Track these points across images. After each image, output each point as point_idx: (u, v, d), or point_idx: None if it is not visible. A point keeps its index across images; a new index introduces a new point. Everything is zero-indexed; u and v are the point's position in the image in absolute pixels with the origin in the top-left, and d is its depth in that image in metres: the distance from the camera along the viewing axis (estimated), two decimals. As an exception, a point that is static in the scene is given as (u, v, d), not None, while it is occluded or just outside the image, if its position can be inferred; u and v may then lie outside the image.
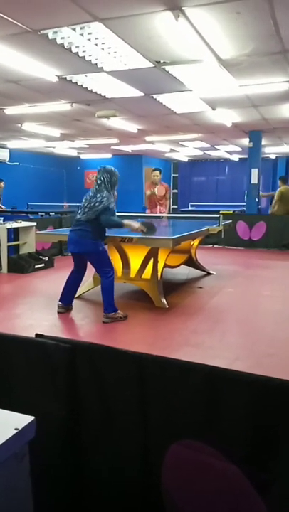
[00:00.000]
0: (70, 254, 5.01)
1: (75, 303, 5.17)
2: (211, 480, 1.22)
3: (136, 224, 4.83)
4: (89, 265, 4.93)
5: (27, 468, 1.02)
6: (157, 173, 8.70)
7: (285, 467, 1.14)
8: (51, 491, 1.40)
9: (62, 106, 7.81)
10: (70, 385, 1.43)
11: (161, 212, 8.67)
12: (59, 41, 4.62)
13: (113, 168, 4.74)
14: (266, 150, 14.33)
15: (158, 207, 8.74)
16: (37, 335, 1.57)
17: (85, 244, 4.60)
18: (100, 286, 4.79)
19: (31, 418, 1.01)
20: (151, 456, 1.33)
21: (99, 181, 4.63)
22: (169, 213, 9.19)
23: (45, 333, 1.57)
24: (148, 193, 8.78)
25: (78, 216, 4.68)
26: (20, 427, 0.96)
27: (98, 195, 4.53)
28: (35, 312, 5.14)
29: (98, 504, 1.44)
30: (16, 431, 0.95)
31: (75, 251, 4.75)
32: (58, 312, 4.93)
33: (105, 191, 4.56)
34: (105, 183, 4.60)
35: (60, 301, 4.97)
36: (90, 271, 5.44)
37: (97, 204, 4.49)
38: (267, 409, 1.16)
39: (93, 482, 1.44)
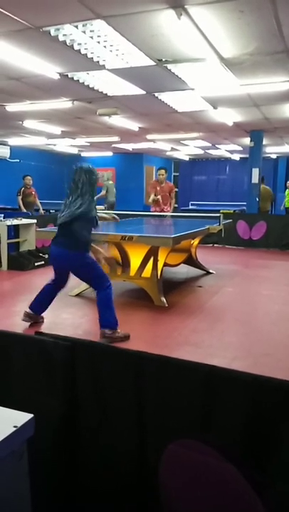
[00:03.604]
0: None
1: (75, 300, 5.17)
2: (209, 480, 1.22)
3: (103, 253, 4.35)
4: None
5: (25, 466, 1.02)
6: (163, 171, 8.79)
7: (282, 467, 1.14)
8: (48, 488, 1.41)
9: (63, 103, 7.80)
10: (69, 382, 1.43)
11: (165, 211, 8.71)
12: (61, 38, 4.61)
13: (91, 166, 4.12)
14: (267, 150, 14.33)
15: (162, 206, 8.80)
16: (36, 332, 1.57)
17: (70, 257, 3.99)
18: (89, 289, 4.58)
19: (30, 416, 1.01)
20: (148, 455, 1.33)
21: (79, 184, 3.92)
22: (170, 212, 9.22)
23: (44, 331, 1.58)
24: (152, 197, 8.82)
25: (58, 222, 4.05)
26: (19, 425, 0.96)
27: (78, 200, 3.88)
28: (34, 309, 5.13)
29: (94, 502, 1.45)
30: (14, 428, 0.95)
31: (60, 266, 4.16)
32: (23, 320, 4.38)
33: (87, 195, 3.92)
34: (86, 186, 3.93)
35: (30, 308, 4.41)
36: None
37: (75, 209, 3.85)
38: (265, 409, 1.16)
39: (90, 480, 1.44)
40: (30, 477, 1.04)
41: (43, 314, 4.51)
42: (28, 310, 4.41)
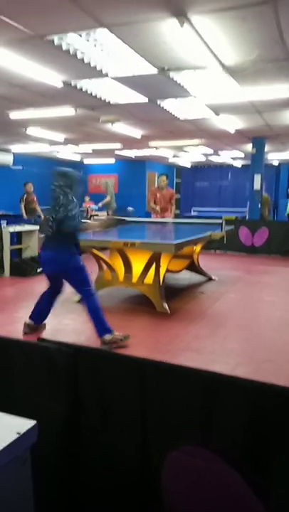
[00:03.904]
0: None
1: (78, 306, 5.16)
2: (211, 484, 1.22)
3: (97, 223, 4.50)
4: (89, 266, 4.91)
5: (28, 470, 1.02)
6: (164, 178, 8.88)
7: (283, 472, 1.14)
8: (50, 492, 1.40)
9: (66, 111, 7.84)
10: (72, 388, 1.43)
11: (165, 217, 8.75)
12: (64, 47, 4.64)
13: (68, 170, 4.24)
14: (269, 156, 14.35)
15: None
16: (39, 339, 1.57)
17: (62, 261, 4.04)
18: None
19: (33, 422, 1.01)
20: (150, 460, 1.33)
21: (58, 189, 4.03)
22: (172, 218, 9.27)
23: (47, 337, 1.58)
24: (152, 205, 8.87)
25: (47, 230, 4.11)
26: (22, 432, 0.97)
27: (61, 202, 3.99)
28: (37, 316, 5.13)
29: (97, 505, 1.44)
30: (18, 435, 0.95)
31: (51, 270, 4.21)
32: (25, 333, 4.39)
33: (68, 196, 4.02)
34: (64, 188, 4.02)
35: (30, 318, 4.45)
36: (92, 274, 5.45)
37: (60, 211, 3.96)
38: (267, 415, 1.16)
39: (93, 483, 1.44)
40: (33, 481, 1.04)
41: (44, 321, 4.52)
42: (28, 321, 4.43)
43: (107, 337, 3.95)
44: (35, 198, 10.63)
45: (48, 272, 4.27)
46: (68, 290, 4.45)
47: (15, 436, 0.94)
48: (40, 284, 6.94)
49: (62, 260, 4.04)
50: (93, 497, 1.44)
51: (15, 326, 4.70)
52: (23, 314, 5.20)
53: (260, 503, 1.16)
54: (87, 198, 15.20)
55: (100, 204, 13.17)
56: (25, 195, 10.47)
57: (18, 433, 0.95)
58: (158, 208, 8.75)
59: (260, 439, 1.18)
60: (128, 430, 1.37)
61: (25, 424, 1.00)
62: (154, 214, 9.00)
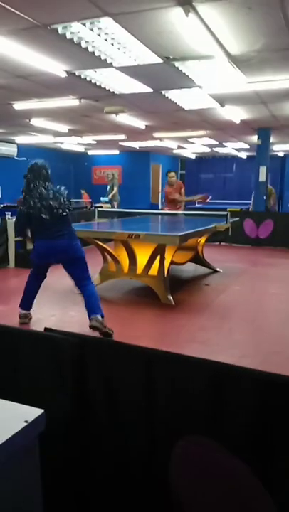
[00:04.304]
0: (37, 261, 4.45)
1: (81, 299, 5.17)
2: (219, 476, 1.22)
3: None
4: (93, 258, 4.91)
5: (37, 460, 1.02)
6: (173, 174, 8.95)
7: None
8: (58, 485, 1.41)
9: (70, 101, 7.80)
10: (78, 379, 1.44)
11: (179, 210, 8.85)
12: (68, 36, 4.61)
13: (42, 162, 4.35)
14: (275, 147, 14.26)
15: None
16: (46, 329, 1.57)
17: (75, 249, 4.13)
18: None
19: (41, 411, 1.01)
20: (157, 451, 1.33)
21: (43, 177, 4.19)
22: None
23: (52, 328, 1.58)
24: (182, 198, 9.00)
25: (47, 218, 4.08)
26: (30, 420, 0.97)
27: (56, 188, 4.15)
28: (42, 307, 5.15)
29: (104, 498, 1.45)
30: (25, 423, 0.95)
31: (57, 259, 4.23)
32: (23, 323, 4.42)
33: (58, 188, 4.20)
34: (49, 177, 4.24)
35: (23, 309, 4.51)
36: (97, 266, 5.46)
37: (60, 196, 4.11)
38: (275, 405, 1.16)
39: (99, 476, 1.45)
40: (41, 471, 1.04)
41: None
42: (22, 312, 4.49)
43: (100, 317, 4.02)
44: None
45: (52, 261, 4.30)
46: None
47: (23, 425, 0.94)
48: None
49: (74, 249, 4.14)
50: (100, 488, 1.45)
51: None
52: (28, 306, 5.22)
53: (267, 494, 1.16)
54: (83, 191, 15.17)
55: (110, 196, 13.13)
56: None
57: (26, 421, 0.96)
58: (184, 198, 9.01)
59: (267, 430, 1.18)
60: (135, 420, 1.38)
61: (33, 412, 1.00)
62: (170, 207, 9.03)
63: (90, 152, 17.04)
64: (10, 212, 8.02)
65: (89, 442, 1.44)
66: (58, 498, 1.40)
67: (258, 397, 1.18)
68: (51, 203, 4.07)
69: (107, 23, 4.24)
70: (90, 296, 4.15)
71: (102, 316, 4.07)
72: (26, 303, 4.52)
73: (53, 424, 1.13)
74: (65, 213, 4.11)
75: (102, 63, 5.51)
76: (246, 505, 1.18)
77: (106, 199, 13.31)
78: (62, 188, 4.18)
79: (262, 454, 1.18)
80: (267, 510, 1.14)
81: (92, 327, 3.95)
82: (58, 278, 4.99)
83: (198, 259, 7.19)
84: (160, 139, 12.81)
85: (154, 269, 5.37)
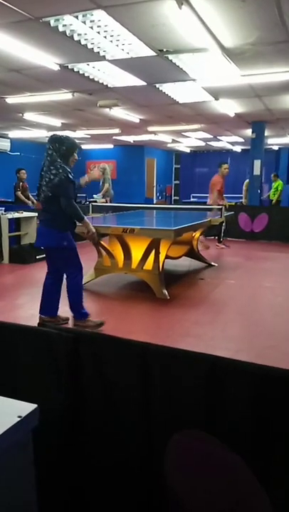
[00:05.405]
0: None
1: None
2: (215, 470, 1.22)
3: (92, 228, 4.18)
4: (90, 255, 4.90)
5: (30, 456, 1.02)
6: (227, 165, 9.24)
7: (287, 458, 1.14)
8: (53, 480, 1.41)
9: (63, 95, 7.76)
10: (73, 374, 1.43)
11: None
12: (61, 29, 4.57)
13: (63, 136, 3.95)
14: (269, 141, 14.25)
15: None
16: (40, 324, 1.57)
17: (49, 236, 3.83)
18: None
19: (34, 406, 1.01)
20: (154, 446, 1.33)
21: (49, 152, 3.79)
22: (170, 204, 9.24)
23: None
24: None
25: (40, 199, 3.93)
26: (23, 415, 0.96)
27: (52, 167, 3.73)
28: (36, 302, 5.10)
29: (100, 493, 1.45)
30: (19, 419, 0.95)
31: (40, 245, 4.10)
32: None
33: (58, 162, 3.75)
34: (53, 154, 3.78)
35: (40, 313, 4.16)
36: (92, 261, 5.45)
37: (52, 177, 3.71)
38: (270, 399, 1.16)
39: (95, 471, 1.45)
40: (35, 468, 1.04)
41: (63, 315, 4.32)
42: (43, 316, 4.14)
43: (80, 322, 4.03)
44: (26, 185, 10.44)
45: (37, 246, 4.23)
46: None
47: (16, 420, 0.94)
48: (39, 271, 6.92)
49: (48, 235, 3.89)
50: (96, 483, 1.45)
51: (15, 313, 4.71)
52: (23, 301, 5.21)
53: (263, 489, 1.16)
54: None
55: (102, 192, 13.01)
56: (20, 183, 10.25)
57: (20, 416, 0.95)
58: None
59: (263, 424, 1.18)
60: (131, 415, 1.37)
61: (26, 407, 1.00)
62: (220, 200, 8.95)
63: (84, 146, 16.96)
64: (3, 208, 7.98)
65: (84, 437, 1.44)
66: (52, 493, 1.40)
67: (254, 390, 1.18)
68: (43, 182, 3.82)
69: (99, 15, 4.21)
70: (67, 292, 4.03)
71: (82, 318, 4.04)
72: (43, 307, 4.17)
73: (48, 419, 1.13)
74: (50, 194, 3.76)
75: (95, 56, 5.47)
76: (242, 499, 1.19)
77: (99, 196, 13.21)
78: (61, 170, 3.72)
79: (258, 448, 1.18)
80: (262, 505, 1.15)
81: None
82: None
83: (193, 254, 7.19)
84: (154, 132, 12.77)
85: (148, 264, 5.37)
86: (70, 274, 4.01)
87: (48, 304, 4.15)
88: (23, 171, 10.27)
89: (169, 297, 5.20)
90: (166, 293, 5.25)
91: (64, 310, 4.27)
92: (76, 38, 4.82)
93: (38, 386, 1.44)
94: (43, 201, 3.87)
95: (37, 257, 7.60)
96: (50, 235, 3.82)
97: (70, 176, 3.75)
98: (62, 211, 3.77)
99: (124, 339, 1.39)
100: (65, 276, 4.10)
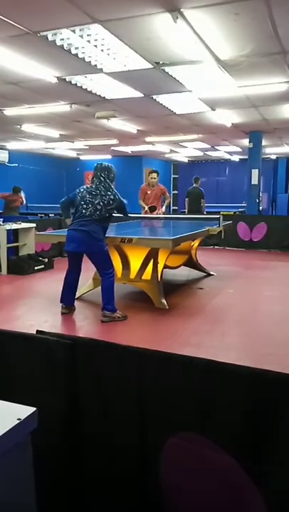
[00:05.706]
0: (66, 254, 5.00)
1: (77, 304, 5.18)
2: (209, 472, 1.24)
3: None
4: (88, 266, 4.94)
5: (29, 458, 1.04)
6: (155, 175, 8.44)
7: (281, 459, 1.15)
8: (50, 483, 1.42)
9: (61, 107, 7.84)
10: (71, 380, 1.45)
11: (158, 213, 8.60)
12: (59, 43, 4.64)
13: (109, 165, 4.91)
14: (267, 150, 14.37)
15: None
16: (38, 331, 1.59)
17: (93, 244, 4.65)
18: (100, 287, 4.80)
19: (33, 409, 1.03)
20: (149, 449, 1.35)
21: (102, 178, 4.76)
22: (169, 214, 9.12)
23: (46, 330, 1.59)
24: (140, 203, 8.66)
25: (87, 213, 4.65)
26: (22, 418, 0.98)
27: (109, 193, 4.69)
28: (35, 313, 5.15)
29: (96, 496, 1.46)
30: (18, 421, 0.96)
31: (80, 250, 4.75)
32: (62, 313, 4.94)
33: (112, 187, 4.78)
34: (106, 180, 4.78)
35: (61, 302, 4.98)
36: (90, 271, 5.47)
37: (111, 202, 4.67)
38: (263, 401, 1.18)
39: (91, 475, 1.46)
40: (34, 471, 1.05)
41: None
42: (62, 304, 4.97)
43: (109, 313, 4.68)
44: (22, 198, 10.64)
45: (75, 250, 4.77)
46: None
47: (15, 422, 0.95)
48: (37, 282, 6.96)
49: (91, 244, 4.65)
50: (93, 485, 1.46)
51: (13, 324, 4.71)
52: (21, 312, 5.22)
53: (257, 490, 1.18)
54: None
55: None
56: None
57: (19, 419, 0.97)
58: (146, 207, 8.39)
59: (257, 426, 1.20)
60: (127, 420, 1.39)
61: (25, 410, 1.02)
62: (143, 211, 8.71)
63: (82, 157, 17.07)
64: (2, 219, 8.01)
65: (81, 441, 1.45)
66: (51, 494, 1.41)
67: (247, 393, 1.20)
68: (95, 201, 4.67)
69: (96, 29, 4.29)
70: (102, 290, 4.76)
71: (113, 310, 4.69)
72: (62, 296, 4.98)
73: (46, 424, 1.14)
74: (107, 215, 4.77)
75: (93, 69, 5.55)
76: (236, 500, 1.20)
77: None
78: (116, 194, 4.77)
79: (252, 450, 1.20)
80: (256, 506, 1.16)
81: (102, 321, 4.67)
82: (51, 284, 5.00)
83: (191, 263, 7.21)
84: (152, 143, 12.86)
85: (147, 274, 5.39)
86: (110, 273, 4.78)
87: (70, 295, 5.01)
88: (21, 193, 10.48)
89: (168, 307, 5.21)
90: (165, 302, 5.26)
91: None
92: (74, 51, 4.90)
93: (36, 391, 1.46)
94: (97, 219, 4.66)
95: (35, 268, 7.63)
96: (98, 242, 4.68)
97: (124, 200, 4.90)
98: (107, 227, 4.88)
99: (120, 345, 1.41)
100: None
